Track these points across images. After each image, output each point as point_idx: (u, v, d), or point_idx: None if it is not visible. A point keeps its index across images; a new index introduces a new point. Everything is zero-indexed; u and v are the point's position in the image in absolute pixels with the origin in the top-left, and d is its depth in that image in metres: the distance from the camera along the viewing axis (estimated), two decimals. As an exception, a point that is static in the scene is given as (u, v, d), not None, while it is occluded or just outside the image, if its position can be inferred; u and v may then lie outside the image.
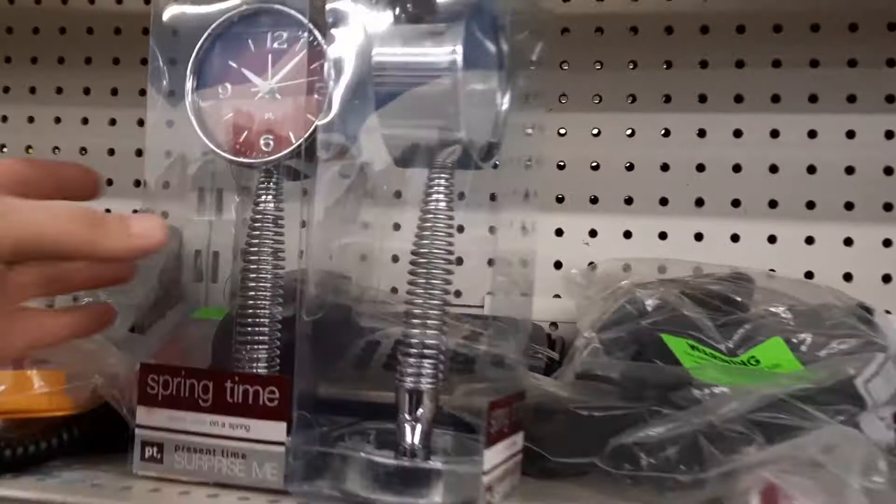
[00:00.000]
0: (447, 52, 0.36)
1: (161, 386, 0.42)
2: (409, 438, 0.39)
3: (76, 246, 0.32)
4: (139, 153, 0.75)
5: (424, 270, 0.39)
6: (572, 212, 0.69)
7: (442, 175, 0.39)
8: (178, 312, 0.61)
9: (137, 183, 0.74)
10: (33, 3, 0.81)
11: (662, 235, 0.68)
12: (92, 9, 0.80)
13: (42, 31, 0.81)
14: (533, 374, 0.47)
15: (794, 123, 0.66)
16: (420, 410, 0.39)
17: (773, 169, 0.66)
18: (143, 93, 0.73)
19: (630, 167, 0.69)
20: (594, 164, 0.69)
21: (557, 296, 0.66)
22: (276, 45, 0.43)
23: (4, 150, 0.83)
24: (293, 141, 0.42)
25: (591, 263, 0.65)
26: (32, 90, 0.81)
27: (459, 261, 0.41)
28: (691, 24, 0.67)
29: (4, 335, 0.34)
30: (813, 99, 0.65)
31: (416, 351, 0.39)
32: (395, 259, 0.44)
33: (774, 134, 0.66)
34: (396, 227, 0.43)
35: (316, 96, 0.41)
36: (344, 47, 0.38)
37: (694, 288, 0.52)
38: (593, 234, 0.70)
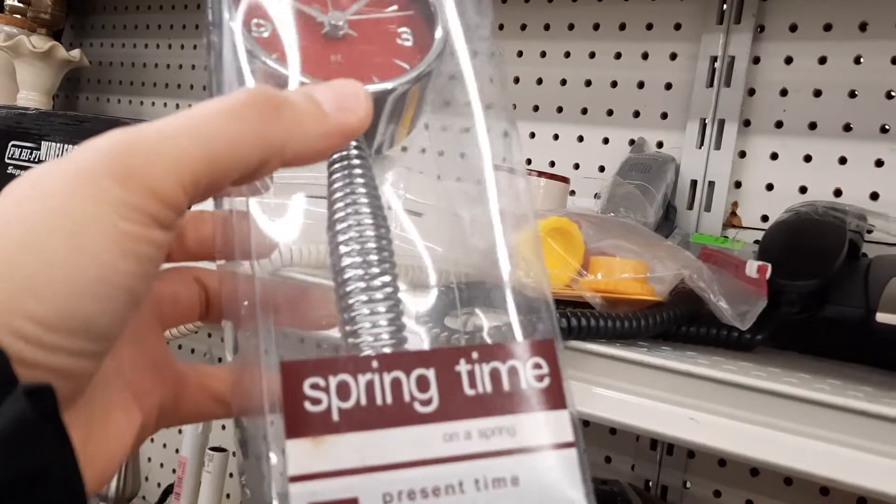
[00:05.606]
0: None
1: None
2: None
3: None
4: (640, 85, 0.81)
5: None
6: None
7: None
8: (676, 237, 0.66)
9: (636, 113, 0.81)
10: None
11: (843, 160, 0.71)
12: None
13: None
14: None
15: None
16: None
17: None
18: (649, 27, 0.80)
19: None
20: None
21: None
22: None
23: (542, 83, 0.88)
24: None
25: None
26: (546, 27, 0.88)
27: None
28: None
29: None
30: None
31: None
32: None
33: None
34: None
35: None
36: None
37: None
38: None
